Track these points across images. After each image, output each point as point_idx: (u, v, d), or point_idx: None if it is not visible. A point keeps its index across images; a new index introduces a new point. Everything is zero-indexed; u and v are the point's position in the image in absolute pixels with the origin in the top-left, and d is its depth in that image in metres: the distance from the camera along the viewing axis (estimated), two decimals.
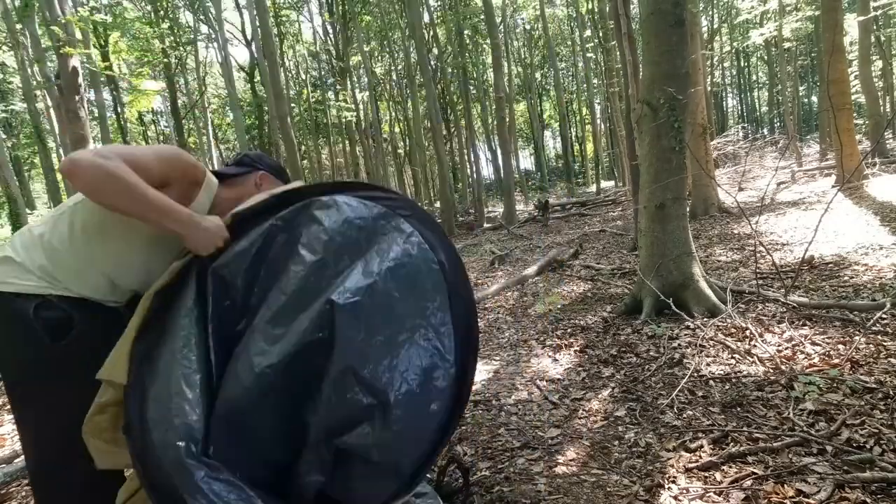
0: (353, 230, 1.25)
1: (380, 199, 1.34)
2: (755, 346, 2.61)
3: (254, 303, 1.20)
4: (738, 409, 2.05)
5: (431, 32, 17.62)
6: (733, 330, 2.88)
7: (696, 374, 2.41)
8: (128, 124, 18.67)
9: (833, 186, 8.65)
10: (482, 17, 14.37)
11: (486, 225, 12.42)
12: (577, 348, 3.07)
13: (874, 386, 2.01)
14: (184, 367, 1.11)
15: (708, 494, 1.54)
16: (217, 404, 1.12)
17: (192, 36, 17.61)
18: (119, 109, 17.29)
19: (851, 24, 10.98)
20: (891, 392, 1.94)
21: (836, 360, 2.30)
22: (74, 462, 1.15)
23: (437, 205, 16.04)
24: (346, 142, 21.92)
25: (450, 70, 18.73)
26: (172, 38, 16.22)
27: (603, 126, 27.26)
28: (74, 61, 5.28)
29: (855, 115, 9.15)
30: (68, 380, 1.17)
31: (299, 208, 1.26)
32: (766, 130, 29.38)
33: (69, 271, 1.18)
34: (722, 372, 2.40)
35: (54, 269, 1.16)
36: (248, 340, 1.15)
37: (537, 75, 28.46)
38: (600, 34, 15.74)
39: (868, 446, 1.65)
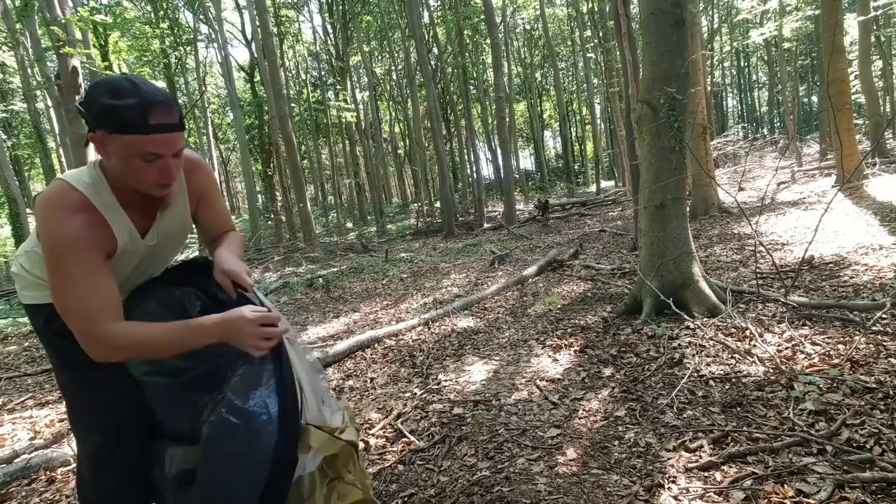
0: None
1: None
2: (755, 346, 2.61)
3: None
4: (738, 409, 2.05)
5: (431, 32, 17.62)
6: (733, 330, 2.87)
7: (695, 374, 2.41)
8: None
9: (833, 186, 8.65)
10: (482, 17, 14.35)
11: (486, 225, 12.41)
12: (577, 348, 3.07)
13: (874, 386, 2.01)
14: None
15: (708, 494, 1.54)
16: None
17: (191, 36, 17.61)
18: None
19: (851, 24, 10.98)
20: (891, 392, 1.94)
21: (836, 360, 2.30)
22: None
23: (437, 205, 16.02)
24: (346, 142, 21.94)
25: (450, 70, 18.73)
26: (172, 37, 16.23)
27: (603, 126, 27.27)
28: (74, 61, 5.27)
29: (855, 115, 9.14)
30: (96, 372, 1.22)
31: None
32: (766, 130, 29.37)
33: None
34: (722, 372, 2.40)
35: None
36: None
37: (537, 75, 28.47)
38: (600, 34, 15.77)
39: (868, 446, 1.65)
